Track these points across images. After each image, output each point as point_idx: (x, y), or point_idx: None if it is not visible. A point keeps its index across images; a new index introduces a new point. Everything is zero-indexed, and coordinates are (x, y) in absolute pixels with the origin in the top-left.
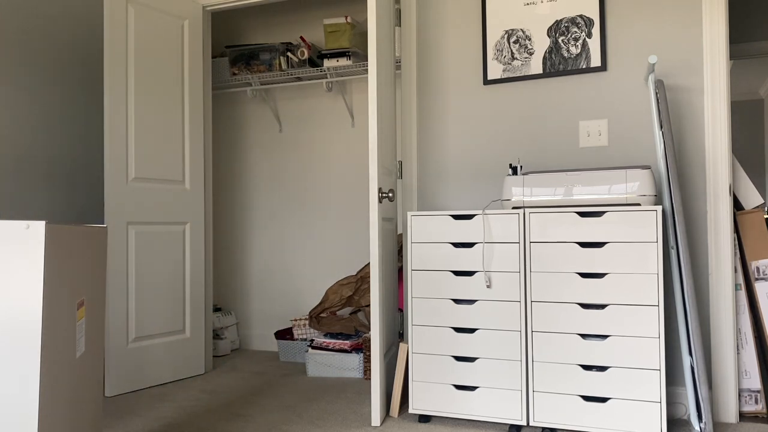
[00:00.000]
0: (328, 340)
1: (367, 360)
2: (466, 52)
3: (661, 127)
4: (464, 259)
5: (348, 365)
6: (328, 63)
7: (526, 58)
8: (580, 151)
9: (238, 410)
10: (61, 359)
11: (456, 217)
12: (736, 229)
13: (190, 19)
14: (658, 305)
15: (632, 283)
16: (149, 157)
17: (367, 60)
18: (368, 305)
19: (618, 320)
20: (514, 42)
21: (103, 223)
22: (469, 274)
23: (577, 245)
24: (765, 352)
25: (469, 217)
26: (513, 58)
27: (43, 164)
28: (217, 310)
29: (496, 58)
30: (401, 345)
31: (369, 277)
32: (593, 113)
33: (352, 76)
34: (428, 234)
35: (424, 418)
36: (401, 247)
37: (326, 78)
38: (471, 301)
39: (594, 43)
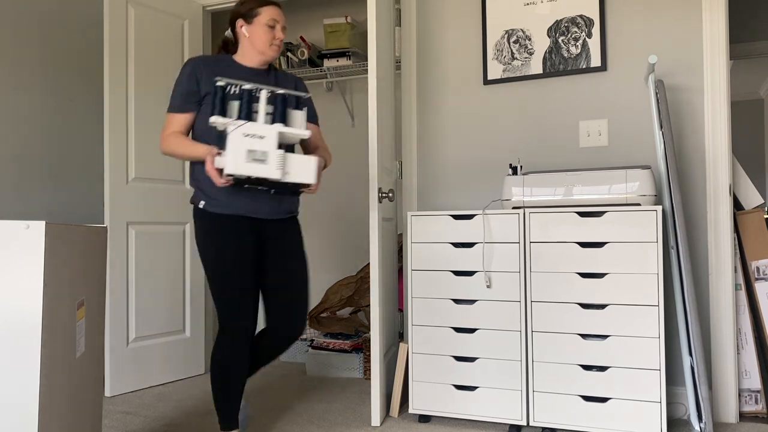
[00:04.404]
0: (328, 340)
1: (367, 360)
2: (466, 52)
3: (661, 127)
4: (464, 259)
5: (348, 365)
6: (328, 63)
7: (526, 58)
8: (580, 151)
9: None
10: (61, 359)
11: (456, 217)
12: (736, 229)
13: (190, 19)
14: (658, 305)
15: (632, 283)
16: (149, 156)
17: (367, 60)
18: (368, 305)
19: (618, 320)
20: (514, 42)
21: (103, 223)
22: (469, 274)
23: (577, 245)
24: (765, 352)
25: (469, 217)
26: (513, 58)
27: (43, 164)
28: None
29: (496, 58)
30: (401, 345)
31: (369, 277)
32: (593, 113)
33: (352, 76)
34: (428, 234)
35: (424, 418)
36: (401, 247)
37: (326, 78)
38: (471, 301)
39: (594, 43)
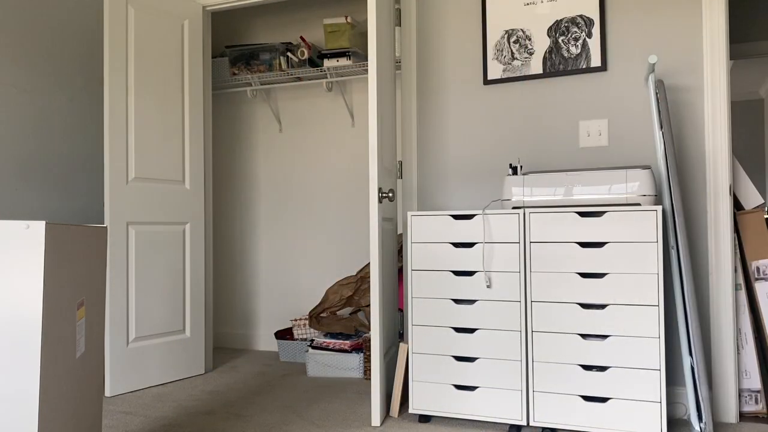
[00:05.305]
0: (328, 340)
1: (367, 360)
2: (466, 52)
3: (661, 127)
4: (464, 259)
5: (348, 365)
6: (328, 63)
7: (526, 58)
8: (580, 151)
9: (238, 410)
10: (61, 359)
11: (456, 217)
12: (736, 229)
13: (190, 19)
14: (658, 305)
15: (632, 283)
16: (149, 157)
17: (367, 60)
18: (368, 305)
19: (618, 320)
20: (514, 42)
21: (103, 223)
22: (469, 274)
23: (577, 245)
24: (765, 352)
25: (469, 217)
26: (513, 58)
27: (42, 164)
28: None
29: (496, 58)
30: (401, 345)
31: (369, 277)
32: (593, 113)
33: (352, 76)
34: (428, 234)
35: (424, 418)
36: (401, 247)
37: (326, 78)
38: (471, 301)
39: (594, 43)
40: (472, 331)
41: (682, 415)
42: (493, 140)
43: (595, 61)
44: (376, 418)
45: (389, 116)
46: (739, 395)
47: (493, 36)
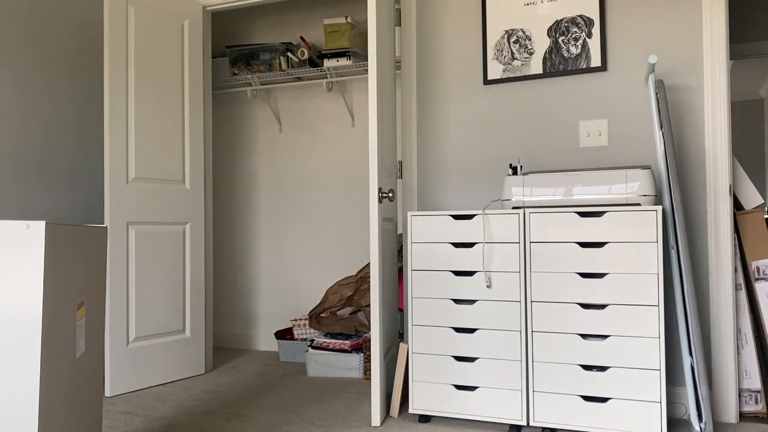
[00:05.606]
0: (328, 340)
1: (367, 360)
2: (466, 52)
3: (661, 127)
4: (464, 259)
5: (348, 365)
6: (328, 63)
7: (526, 58)
8: (580, 151)
9: (238, 410)
10: (61, 359)
11: (456, 217)
12: (736, 229)
13: (190, 19)
14: (658, 305)
15: (632, 283)
16: (149, 157)
17: (367, 60)
18: (368, 305)
19: (618, 320)
20: (514, 42)
21: (103, 223)
22: (469, 274)
23: (577, 245)
24: (765, 352)
25: (469, 217)
26: (513, 58)
27: (42, 164)
28: None
29: (496, 58)
30: (401, 345)
31: (369, 277)
32: (593, 113)
33: (352, 76)
34: (428, 234)
35: (424, 418)
36: (401, 247)
37: (326, 78)
38: (471, 301)
39: (594, 43)
40: (472, 331)
41: (682, 415)
42: (493, 140)
43: (595, 61)
44: (376, 418)
45: (389, 116)
46: (739, 395)
47: (493, 36)
